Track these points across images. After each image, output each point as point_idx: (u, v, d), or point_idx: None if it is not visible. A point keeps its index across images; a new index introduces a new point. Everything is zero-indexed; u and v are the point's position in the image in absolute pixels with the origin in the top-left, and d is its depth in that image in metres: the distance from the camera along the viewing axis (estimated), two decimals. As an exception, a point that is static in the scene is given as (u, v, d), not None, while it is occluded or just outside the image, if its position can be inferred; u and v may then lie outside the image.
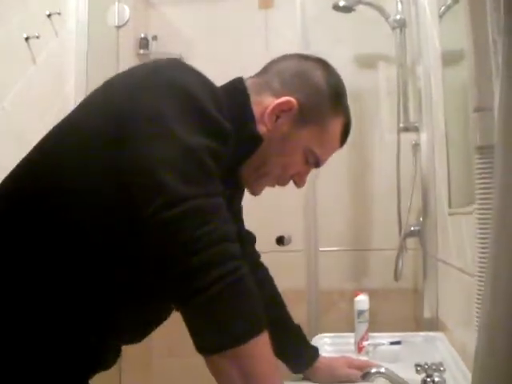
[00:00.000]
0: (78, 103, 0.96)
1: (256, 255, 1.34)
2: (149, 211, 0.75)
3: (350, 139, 1.13)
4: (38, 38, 2.21)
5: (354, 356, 1.46)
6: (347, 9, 2.27)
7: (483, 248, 0.82)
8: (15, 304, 0.84)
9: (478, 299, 0.84)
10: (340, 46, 2.35)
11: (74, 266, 0.85)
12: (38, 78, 2.22)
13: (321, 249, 2.20)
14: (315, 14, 2.27)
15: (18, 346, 0.84)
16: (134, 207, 0.78)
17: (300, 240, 2.17)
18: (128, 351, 1.05)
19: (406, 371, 1.21)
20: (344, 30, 2.40)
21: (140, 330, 0.99)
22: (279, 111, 1.03)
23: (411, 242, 2.17)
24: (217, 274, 0.73)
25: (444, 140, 1.76)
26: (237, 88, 1.05)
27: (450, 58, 1.71)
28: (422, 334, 1.70)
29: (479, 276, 0.84)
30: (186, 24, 2.61)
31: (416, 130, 2.14)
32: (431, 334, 1.70)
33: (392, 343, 1.51)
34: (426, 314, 1.90)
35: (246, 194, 1.19)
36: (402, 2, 2.25)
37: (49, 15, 2.27)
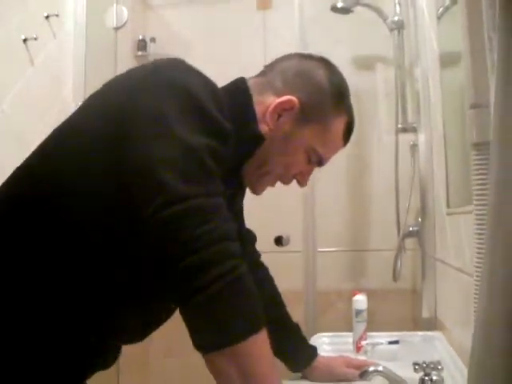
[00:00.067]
0: (76, 105, 0.97)
1: (256, 254, 1.35)
2: (149, 211, 0.75)
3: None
4: (35, 39, 2.21)
5: (353, 355, 1.46)
6: (345, 10, 2.28)
7: (480, 244, 0.82)
8: (16, 304, 0.84)
9: (476, 296, 0.85)
10: (338, 47, 2.35)
11: (74, 267, 0.85)
12: (36, 79, 2.23)
13: (319, 249, 2.20)
14: (313, 15, 2.27)
15: (17, 346, 0.84)
16: (135, 207, 0.78)
17: (298, 240, 2.17)
18: (126, 351, 1.05)
19: (404, 370, 1.21)
20: (342, 31, 2.40)
21: (140, 330, 0.99)
22: (281, 110, 1.03)
23: (409, 243, 2.17)
24: (216, 273, 0.73)
25: (442, 141, 1.76)
26: (239, 88, 1.05)
27: (447, 60, 1.71)
28: (420, 333, 1.70)
29: (476, 272, 0.84)
30: (185, 26, 2.62)
31: (414, 130, 2.15)
32: (429, 333, 1.70)
33: (390, 342, 1.51)
34: (425, 313, 1.90)
35: (245, 195, 1.19)
36: (400, 3, 2.25)
37: (47, 17, 2.28)
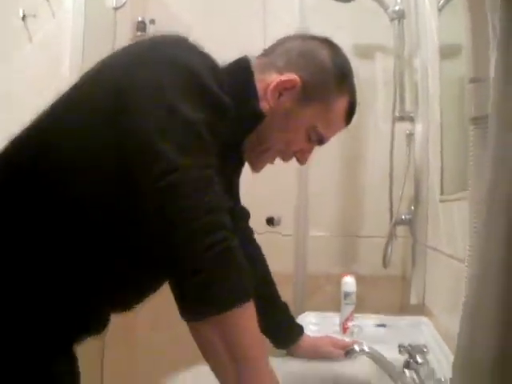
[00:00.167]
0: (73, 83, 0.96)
1: (249, 231, 1.35)
2: (147, 181, 0.77)
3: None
4: (34, 16, 2.21)
5: (339, 336, 1.47)
6: (347, -2, 2.27)
7: (475, 224, 0.81)
8: (13, 268, 0.85)
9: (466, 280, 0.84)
10: (338, 34, 2.31)
11: (72, 236, 0.86)
12: (34, 56, 2.22)
13: (311, 234, 2.21)
14: (314, 1, 2.27)
15: (12, 304, 0.85)
16: (133, 181, 0.79)
17: (290, 224, 2.17)
18: (111, 325, 1.05)
19: (389, 352, 1.20)
20: (343, 18, 2.38)
21: (133, 297, 1.00)
22: (282, 88, 1.03)
23: (401, 231, 2.17)
24: (208, 242, 0.74)
25: (439, 130, 1.76)
26: (241, 65, 1.06)
27: (448, 52, 1.71)
28: (407, 317, 1.70)
29: (469, 251, 0.84)
30: (184, 8, 2.60)
31: (411, 119, 2.14)
32: (416, 318, 1.70)
33: (377, 326, 1.51)
34: (413, 300, 1.91)
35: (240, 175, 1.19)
36: (401, -7, 2.24)
37: (46, -6, 2.26)
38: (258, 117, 1.03)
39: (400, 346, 1.21)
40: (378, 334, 1.48)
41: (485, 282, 0.63)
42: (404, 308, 1.99)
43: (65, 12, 2.35)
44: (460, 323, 0.68)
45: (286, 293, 1.39)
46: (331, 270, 2.20)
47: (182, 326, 0.78)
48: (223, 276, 0.75)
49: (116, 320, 1.02)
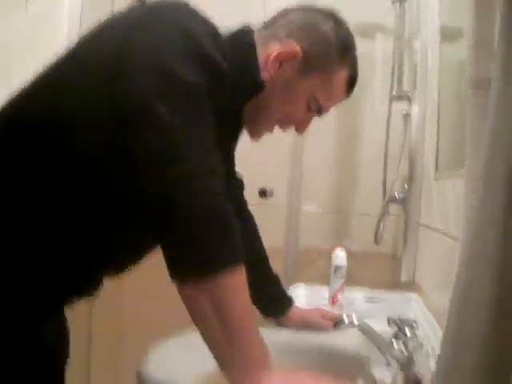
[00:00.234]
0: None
1: (243, 201, 1.35)
2: (143, 145, 0.78)
3: (341, 103, 1.12)
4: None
5: (329, 309, 1.47)
6: (349, -21, 2.24)
7: (472, 199, 0.81)
8: (11, 227, 0.86)
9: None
10: (339, 13, 2.32)
11: (70, 195, 0.87)
12: (31, 19, 2.18)
13: (303, 208, 2.21)
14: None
15: (7, 264, 0.85)
16: (131, 144, 0.80)
17: (283, 197, 2.17)
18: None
19: (378, 325, 1.21)
20: (344, -2, 2.37)
21: (128, 259, 1.01)
22: (283, 58, 1.03)
23: (394, 209, 2.18)
24: (199, 204, 0.75)
25: (436, 110, 1.76)
26: (243, 33, 1.05)
27: (448, 35, 1.70)
28: (397, 293, 1.71)
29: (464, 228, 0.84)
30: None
31: (408, 98, 2.14)
32: (407, 294, 1.71)
33: (367, 301, 1.52)
34: (403, 277, 1.92)
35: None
36: (403, -26, 2.22)
37: (43, -44, 2.22)
38: (258, 86, 1.02)
39: (389, 319, 1.21)
40: (367, 308, 1.49)
41: (480, 258, 0.63)
42: (394, 285, 2.00)
43: (62, -24, 2.31)
44: (451, 299, 0.68)
45: (276, 266, 1.39)
46: (323, 245, 2.20)
47: (171, 290, 0.77)
48: (213, 238, 0.76)
49: (103, 291, 1.03)
